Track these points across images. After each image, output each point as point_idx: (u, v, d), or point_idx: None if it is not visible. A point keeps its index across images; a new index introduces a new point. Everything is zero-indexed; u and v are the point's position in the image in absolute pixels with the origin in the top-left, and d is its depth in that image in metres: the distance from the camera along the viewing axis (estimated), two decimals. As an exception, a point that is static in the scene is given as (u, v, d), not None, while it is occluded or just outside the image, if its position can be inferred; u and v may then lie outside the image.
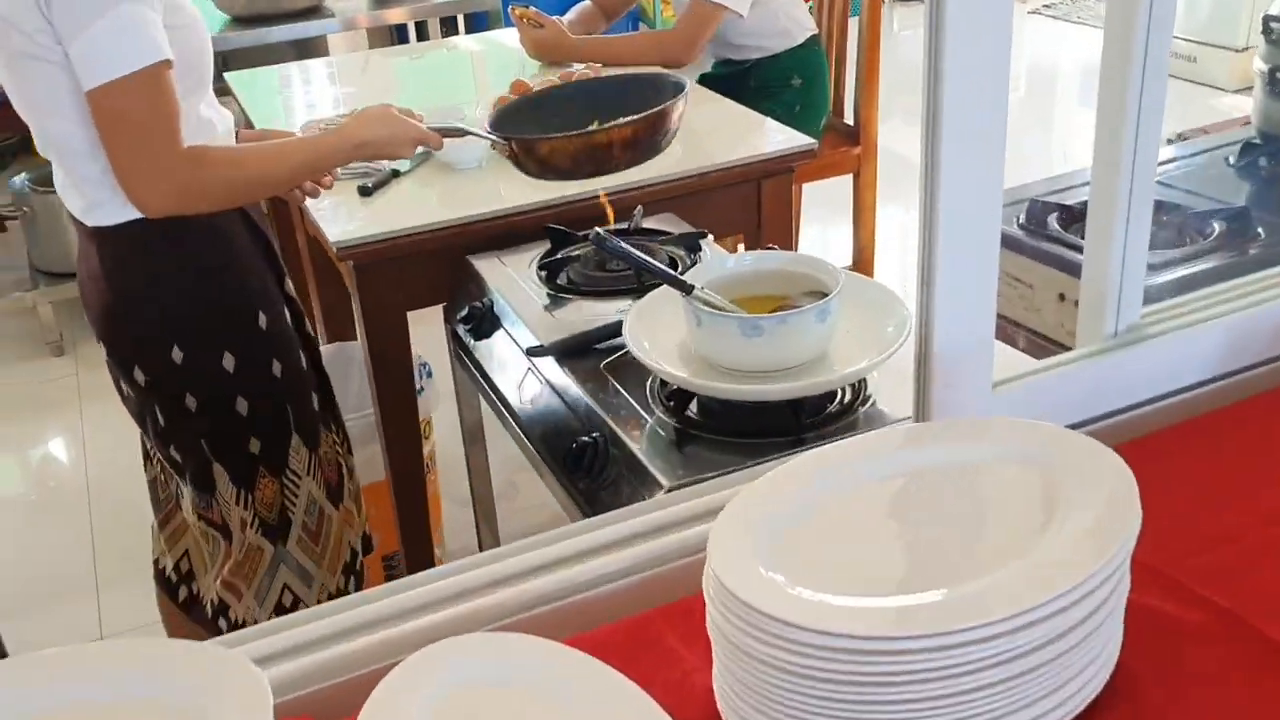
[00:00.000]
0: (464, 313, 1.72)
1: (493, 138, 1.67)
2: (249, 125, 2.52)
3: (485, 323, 1.68)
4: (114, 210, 1.50)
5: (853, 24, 3.01)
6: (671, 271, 1.29)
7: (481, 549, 2.14)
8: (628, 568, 0.97)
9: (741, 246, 2.20)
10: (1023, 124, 4.63)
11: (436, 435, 2.45)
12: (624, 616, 0.94)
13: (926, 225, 0.99)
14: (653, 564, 0.98)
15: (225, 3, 3.48)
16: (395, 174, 2.06)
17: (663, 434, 1.29)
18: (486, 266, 1.78)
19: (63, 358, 3.48)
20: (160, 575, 1.88)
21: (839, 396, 1.30)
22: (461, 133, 1.73)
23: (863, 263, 3.16)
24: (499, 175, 2.06)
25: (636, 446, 1.27)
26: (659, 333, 1.33)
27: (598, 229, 1.36)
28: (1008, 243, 1.66)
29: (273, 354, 1.62)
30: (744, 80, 2.86)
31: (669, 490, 1.20)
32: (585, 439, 1.30)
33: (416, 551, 2.14)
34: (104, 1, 1.34)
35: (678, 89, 1.65)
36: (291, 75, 3.00)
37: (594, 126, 1.66)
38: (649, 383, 1.36)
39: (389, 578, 2.42)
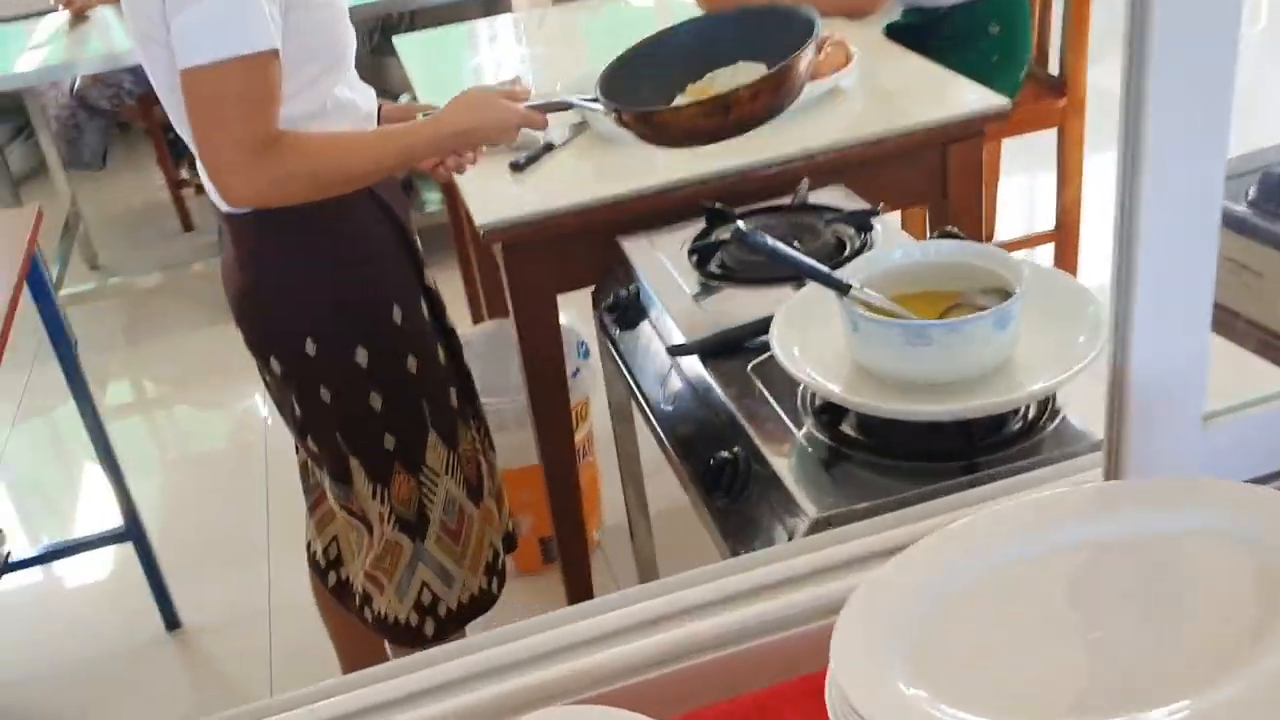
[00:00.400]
0: (609, 300, 1.59)
1: (597, 108, 1.51)
2: (411, 96, 2.47)
3: (631, 311, 1.55)
4: None
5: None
6: (824, 269, 1.12)
7: (633, 534, 2.03)
8: (749, 629, 0.83)
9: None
10: (1260, 69, 4.16)
11: (595, 414, 2.35)
12: (742, 691, 0.80)
13: (1123, 208, 0.79)
14: (780, 626, 0.83)
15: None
16: (549, 147, 1.95)
17: (812, 452, 1.13)
18: (636, 249, 1.64)
19: (250, 324, 3.55)
20: (312, 559, 1.86)
21: (1021, 409, 1.12)
22: (565, 106, 1.60)
23: (1067, 226, 2.88)
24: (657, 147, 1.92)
25: (782, 466, 1.12)
26: (813, 335, 1.17)
27: (739, 223, 1.20)
28: (1232, 223, 1.41)
29: (408, 349, 1.54)
30: (936, 29, 2.62)
31: (816, 521, 1.04)
32: (725, 455, 1.15)
33: (569, 538, 2.05)
34: None
35: (808, 28, 1.41)
36: (460, 37, 2.93)
37: (710, 86, 1.48)
38: (800, 389, 1.20)
39: (545, 562, 2.36)
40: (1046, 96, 2.75)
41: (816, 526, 1.03)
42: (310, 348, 1.50)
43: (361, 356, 1.51)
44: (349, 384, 1.52)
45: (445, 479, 1.59)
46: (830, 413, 1.14)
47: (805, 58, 1.37)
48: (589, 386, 2.27)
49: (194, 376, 3.40)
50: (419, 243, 1.63)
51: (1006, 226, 3.40)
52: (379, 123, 1.64)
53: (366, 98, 1.57)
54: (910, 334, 1.05)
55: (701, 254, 1.52)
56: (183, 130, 1.46)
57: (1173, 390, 0.80)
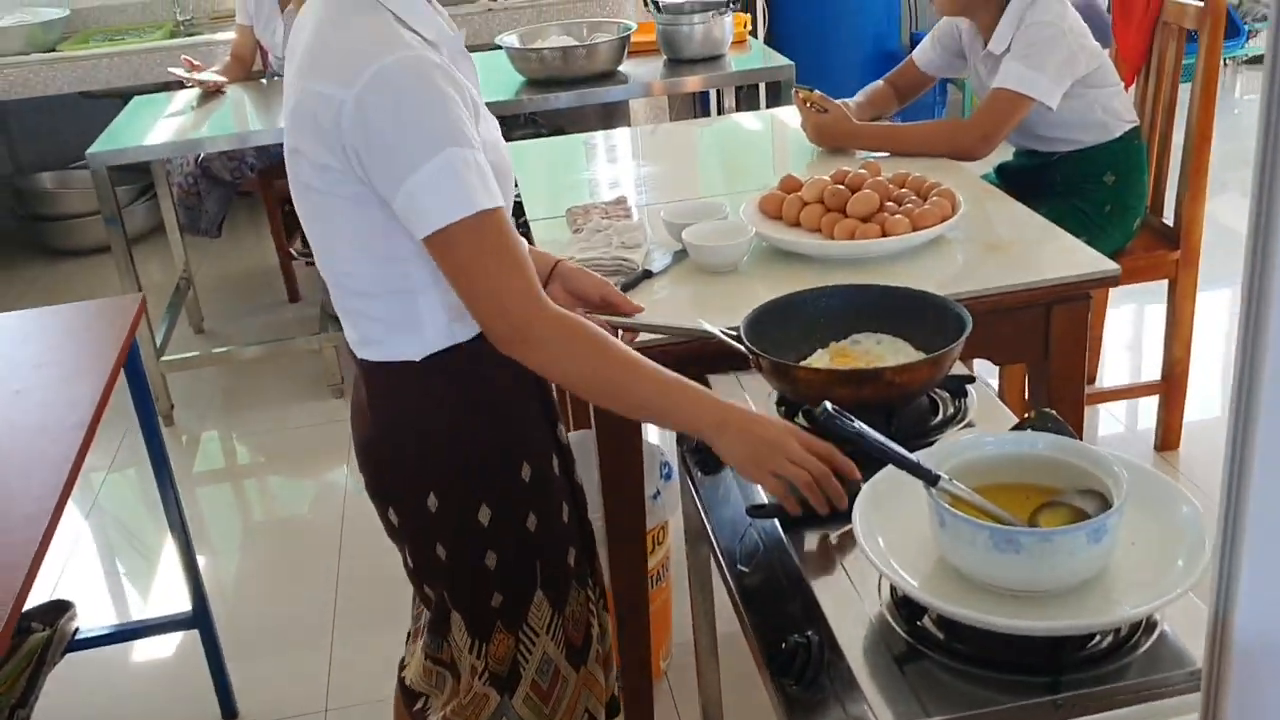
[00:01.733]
0: (694, 443, 1.57)
1: (738, 347, 1.49)
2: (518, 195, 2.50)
3: (714, 457, 1.51)
4: (387, 348, 1.41)
5: (1183, 96, 2.65)
6: (913, 459, 1.09)
7: (700, 670, 1.98)
8: None
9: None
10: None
11: (673, 538, 2.31)
12: None
13: (1235, 446, 0.74)
14: None
15: (522, 65, 3.51)
16: (648, 274, 1.95)
17: (888, 647, 1.08)
18: (723, 388, 1.62)
19: (342, 400, 3.60)
20: (401, 682, 1.76)
21: (1114, 622, 1.06)
22: (710, 336, 1.56)
23: (1174, 379, 2.80)
24: (759, 279, 1.91)
25: (857, 656, 1.08)
26: (897, 517, 1.13)
27: (827, 403, 1.18)
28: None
29: (530, 507, 1.48)
30: (1048, 174, 2.59)
31: (885, 726, 1.00)
32: (798, 639, 1.12)
33: (635, 672, 2.01)
34: (425, 149, 1.25)
35: (960, 325, 1.41)
36: (575, 147, 2.98)
37: (852, 349, 1.51)
38: (880, 575, 1.16)
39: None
40: (1160, 246, 2.68)
41: (887, 732, 0.98)
42: (432, 503, 1.45)
43: (484, 515, 1.45)
44: (467, 543, 1.47)
45: (544, 639, 1.52)
46: (910, 606, 1.10)
47: (954, 355, 1.40)
48: (669, 509, 2.24)
49: (283, 450, 3.45)
50: (554, 391, 1.59)
51: (1111, 370, 3.32)
52: (551, 272, 1.63)
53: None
54: (999, 539, 1.01)
55: (790, 406, 1.50)
56: (327, 276, 1.44)
57: (1280, 649, 0.75)
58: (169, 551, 2.77)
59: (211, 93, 3.76)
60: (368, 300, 1.38)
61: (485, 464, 1.45)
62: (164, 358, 3.55)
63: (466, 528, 1.45)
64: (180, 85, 3.87)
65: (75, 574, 2.91)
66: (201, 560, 2.36)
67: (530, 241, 2.12)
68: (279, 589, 2.80)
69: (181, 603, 2.37)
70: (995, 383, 2.78)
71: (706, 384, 1.65)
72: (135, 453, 3.31)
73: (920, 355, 1.47)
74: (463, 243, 1.28)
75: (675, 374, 1.36)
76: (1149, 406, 2.95)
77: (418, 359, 1.40)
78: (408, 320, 1.39)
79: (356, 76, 1.24)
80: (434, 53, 1.31)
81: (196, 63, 3.88)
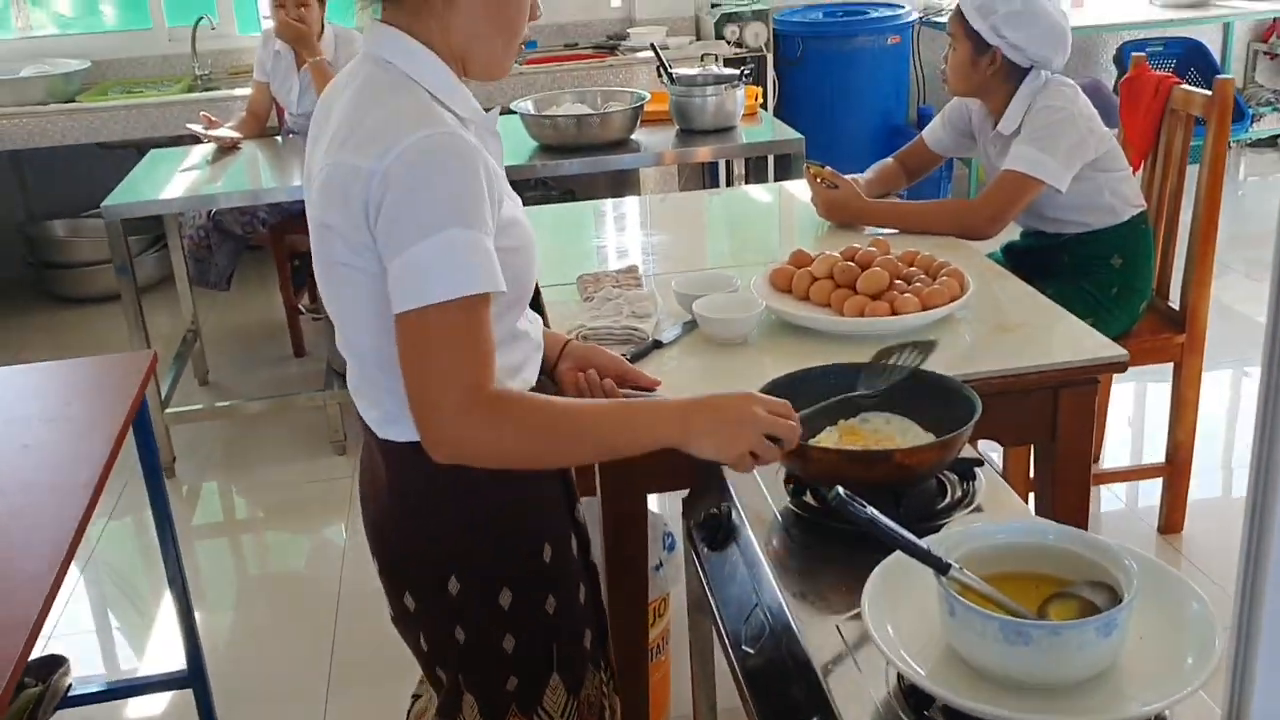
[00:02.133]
0: (701, 517, 1.57)
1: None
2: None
3: (721, 533, 1.52)
4: (410, 428, 1.37)
5: (1191, 176, 2.67)
6: (923, 546, 1.09)
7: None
8: None
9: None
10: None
11: (674, 609, 2.30)
12: None
13: (1251, 546, 0.74)
14: None
15: (537, 131, 3.55)
16: (658, 344, 1.96)
17: (895, 735, 1.08)
18: (733, 464, 1.62)
19: (344, 457, 3.60)
20: None
21: (1122, 716, 1.05)
22: None
23: (1178, 463, 2.80)
24: (768, 352, 1.92)
25: (862, 747, 1.07)
26: (906, 602, 1.13)
27: (839, 489, 1.18)
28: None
29: (550, 589, 1.46)
30: (1055, 255, 2.61)
31: (891, 818, 0.99)
32: (804, 726, 1.11)
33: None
34: (430, 224, 1.24)
35: (970, 409, 1.42)
36: (585, 214, 3.01)
37: (861, 428, 1.52)
38: (888, 662, 1.15)
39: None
40: (1165, 330, 2.70)
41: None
42: (454, 585, 1.42)
43: (505, 598, 1.43)
44: (487, 627, 1.44)
45: None
46: (918, 695, 1.09)
47: (964, 438, 1.40)
48: (670, 581, 2.23)
49: (283, 505, 3.44)
50: (572, 470, 1.58)
51: (1114, 448, 3.32)
52: (561, 352, 1.63)
53: (537, 328, 1.54)
54: (1009, 631, 1.00)
55: (798, 485, 1.50)
56: (350, 354, 1.43)
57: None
58: (166, 606, 2.75)
59: (227, 149, 3.80)
60: (393, 377, 1.35)
61: (508, 545, 1.44)
62: (169, 409, 3.56)
63: (487, 611, 1.43)
64: (196, 140, 3.92)
65: (69, 626, 2.89)
66: (197, 615, 2.34)
67: (541, 310, 2.13)
68: (275, 647, 2.78)
69: (177, 659, 2.35)
70: (999, 459, 2.78)
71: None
72: (135, 502, 3.30)
73: (929, 436, 1.48)
74: (430, 327, 1.25)
75: (617, 400, 1.40)
76: (1153, 490, 2.95)
77: None
78: None
79: (390, 150, 1.25)
80: (467, 131, 1.32)
81: (214, 119, 3.93)
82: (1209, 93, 2.57)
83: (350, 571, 2.99)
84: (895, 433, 1.51)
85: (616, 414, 1.38)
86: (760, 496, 1.53)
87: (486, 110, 1.44)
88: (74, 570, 3.10)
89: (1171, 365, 2.73)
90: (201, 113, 4.00)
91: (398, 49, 1.35)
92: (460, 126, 1.32)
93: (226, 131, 3.84)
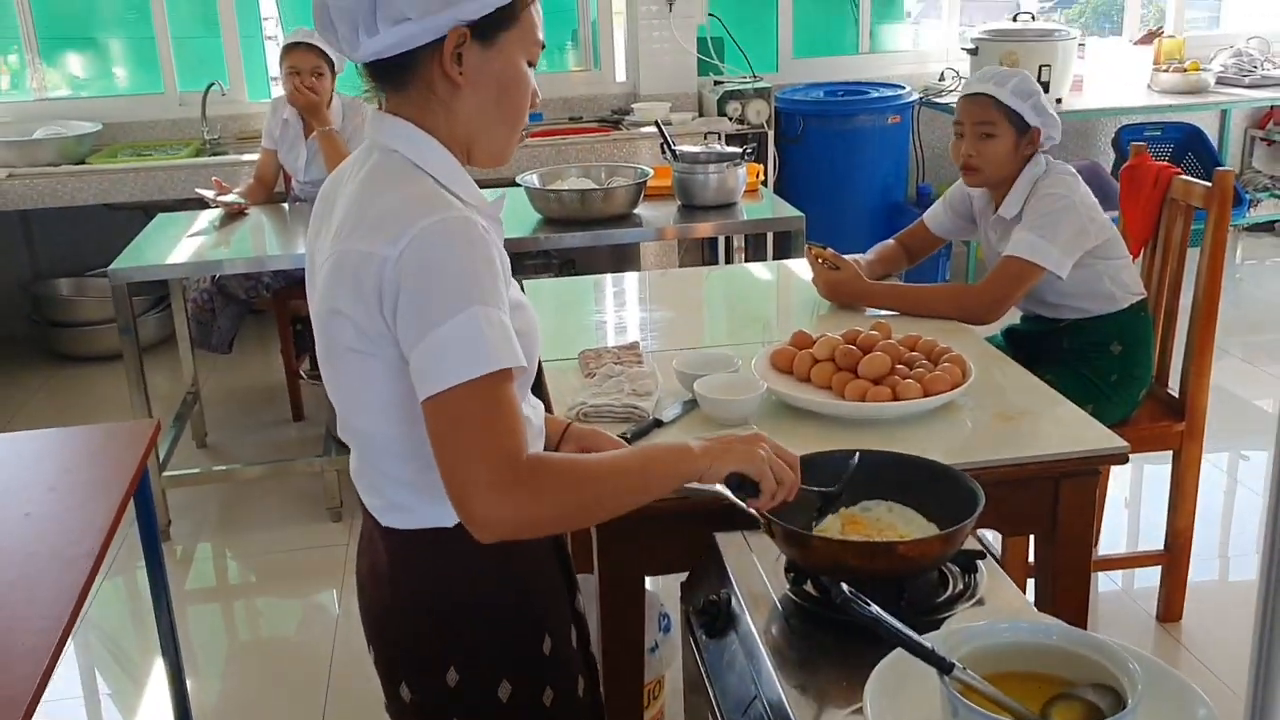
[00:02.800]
0: (700, 604, 1.56)
1: (750, 510, 1.46)
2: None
3: (720, 621, 1.52)
4: (415, 516, 1.39)
5: (1190, 262, 2.70)
6: (927, 645, 1.09)
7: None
8: None
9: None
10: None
11: (669, 691, 2.28)
12: None
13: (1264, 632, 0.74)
14: None
15: (541, 204, 3.59)
16: (658, 423, 1.97)
17: (895, 837, 1.07)
18: (731, 548, 1.62)
19: (339, 524, 3.59)
20: None
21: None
22: (721, 498, 1.54)
23: (1177, 551, 2.79)
24: (769, 434, 1.90)
25: (862, 845, 1.06)
26: (908, 698, 1.13)
27: (844, 585, 1.18)
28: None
29: (549, 682, 1.46)
30: (1055, 340, 2.63)
31: None
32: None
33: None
34: (452, 306, 1.24)
35: (972, 501, 1.43)
36: (585, 289, 3.03)
37: (862, 517, 1.52)
38: (889, 758, 1.14)
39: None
40: (1165, 417, 2.71)
41: None
42: (452, 677, 1.41)
43: (504, 690, 1.42)
44: (484, 719, 1.44)
45: None
46: (919, 796, 1.08)
47: (967, 531, 1.41)
48: (666, 663, 2.22)
49: (277, 571, 3.42)
50: (570, 559, 1.58)
51: (1112, 532, 3.31)
52: (563, 435, 1.64)
53: (539, 413, 1.54)
54: (1012, 733, 1.00)
55: (798, 573, 1.50)
56: (352, 440, 1.42)
57: None
58: (157, 671, 2.73)
59: (235, 215, 3.84)
60: (399, 463, 1.37)
61: (509, 637, 1.43)
62: (166, 472, 3.55)
63: (485, 704, 1.42)
64: (203, 204, 3.96)
65: (59, 691, 2.85)
66: (189, 682, 2.32)
67: (543, 390, 2.14)
68: (266, 715, 2.75)
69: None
70: (998, 544, 2.77)
71: (715, 542, 1.65)
72: (129, 562, 3.29)
73: (931, 526, 1.48)
74: (459, 407, 1.24)
75: (638, 449, 1.43)
76: (1151, 577, 2.94)
77: (450, 524, 1.37)
78: (439, 484, 1.35)
79: (402, 235, 1.26)
80: (475, 214, 1.33)
81: (225, 184, 3.97)
82: (1209, 184, 2.61)
83: (343, 639, 2.97)
84: (898, 521, 1.51)
85: (641, 462, 1.39)
86: (760, 584, 1.53)
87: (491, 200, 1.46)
88: (64, 634, 3.08)
89: (1170, 455, 2.73)
90: (214, 178, 4.05)
91: (403, 138, 1.36)
92: (469, 209, 1.33)
93: (234, 197, 3.88)
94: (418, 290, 1.26)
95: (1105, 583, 3.06)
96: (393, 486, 1.40)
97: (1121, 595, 3.03)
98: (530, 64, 1.41)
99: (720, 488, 1.56)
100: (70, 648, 3.03)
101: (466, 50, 1.34)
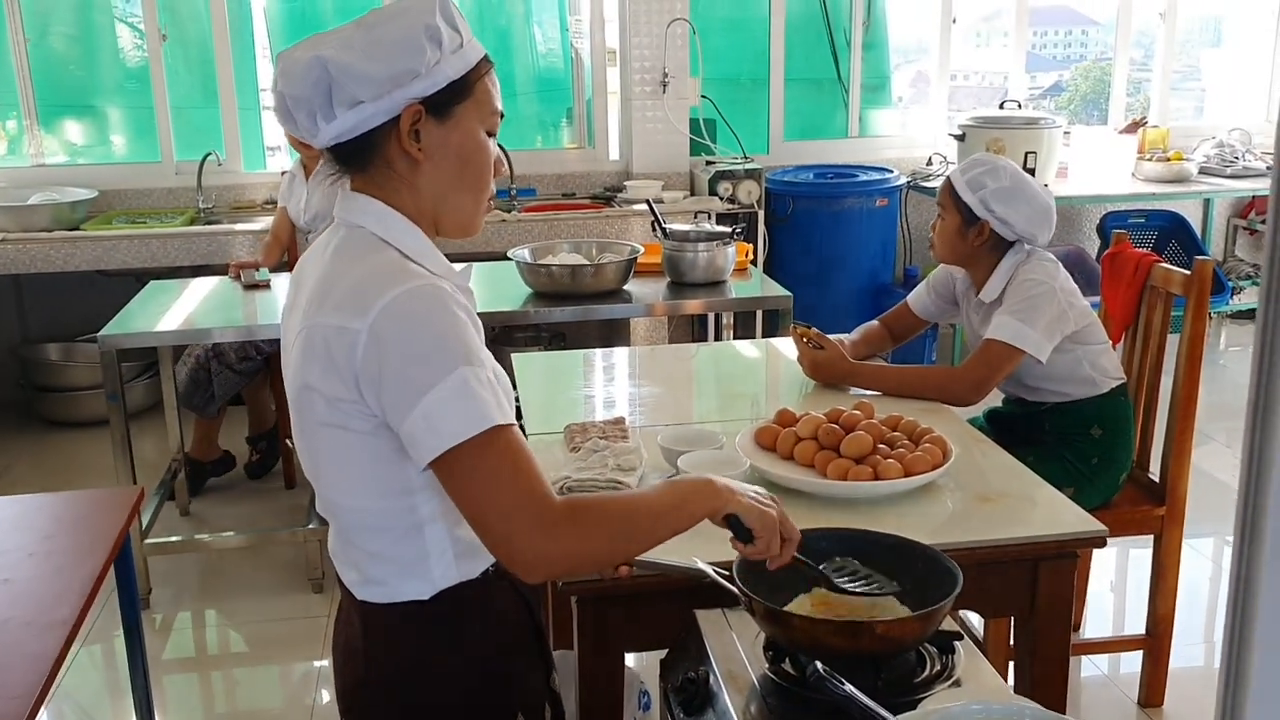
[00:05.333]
0: (678, 681, 1.56)
1: (731, 587, 1.50)
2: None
3: (698, 699, 1.51)
4: (391, 590, 1.40)
5: (1171, 348, 2.72)
6: (901, 727, 1.09)
7: None
8: None
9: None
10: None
11: (650, 770, 2.26)
12: None
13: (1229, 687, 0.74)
14: None
15: (532, 278, 3.63)
16: (641, 499, 1.97)
17: None
18: (711, 625, 1.62)
19: (321, 595, 3.56)
20: None
21: None
22: (702, 575, 1.58)
23: (1158, 636, 2.79)
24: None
25: None
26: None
27: (817, 664, 1.19)
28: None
29: None
30: (1036, 423, 2.65)
31: None
32: None
33: None
34: (438, 370, 1.26)
35: (950, 581, 1.45)
36: (574, 364, 3.05)
37: (838, 599, 1.53)
38: (862, 841, 1.14)
39: None
40: (1145, 501, 2.72)
41: None
42: None
43: None
44: None
45: None
46: None
47: (944, 611, 1.42)
48: (645, 740, 2.20)
49: (257, 641, 3.39)
50: (546, 635, 1.58)
51: (1095, 615, 3.31)
52: None
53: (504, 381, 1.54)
54: (984, 817, 1.00)
55: (777, 652, 1.50)
56: (330, 516, 1.43)
57: None
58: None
59: (261, 287, 3.87)
60: (375, 537, 1.37)
61: (483, 715, 1.42)
62: (148, 540, 3.53)
63: None
64: (195, 272, 3.98)
65: (29, 762, 2.81)
66: (163, 756, 2.29)
67: None
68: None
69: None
70: (980, 626, 2.77)
71: (694, 619, 1.66)
72: (106, 629, 3.26)
73: (903, 608, 1.49)
74: (475, 462, 1.26)
75: (662, 484, 1.46)
76: (1133, 662, 2.93)
77: (426, 598, 1.38)
78: (415, 557, 1.38)
79: (369, 307, 1.27)
80: (444, 283, 1.35)
81: (239, 266, 3.98)
82: (1188, 271, 2.65)
83: (320, 712, 2.93)
84: (867, 603, 1.52)
85: (673, 493, 1.42)
86: (739, 662, 1.53)
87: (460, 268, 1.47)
88: (38, 703, 3.04)
89: (1151, 539, 2.74)
90: (230, 264, 4.07)
91: (369, 214, 1.38)
92: (435, 278, 1.35)
93: (260, 275, 3.91)
94: (399, 360, 1.27)
95: (1089, 667, 3.05)
96: (368, 561, 1.40)
97: (1105, 680, 3.02)
98: (490, 134, 1.43)
99: (703, 565, 1.57)
100: (44, 716, 2.99)
101: (423, 126, 1.36)
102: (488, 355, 1.43)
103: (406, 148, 1.37)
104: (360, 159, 1.39)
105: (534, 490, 1.28)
